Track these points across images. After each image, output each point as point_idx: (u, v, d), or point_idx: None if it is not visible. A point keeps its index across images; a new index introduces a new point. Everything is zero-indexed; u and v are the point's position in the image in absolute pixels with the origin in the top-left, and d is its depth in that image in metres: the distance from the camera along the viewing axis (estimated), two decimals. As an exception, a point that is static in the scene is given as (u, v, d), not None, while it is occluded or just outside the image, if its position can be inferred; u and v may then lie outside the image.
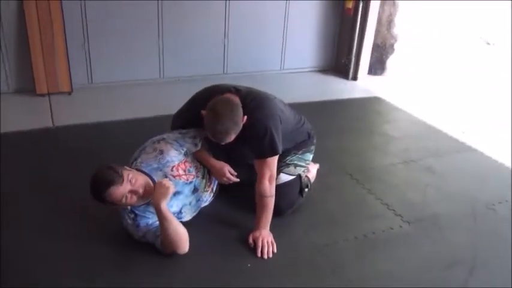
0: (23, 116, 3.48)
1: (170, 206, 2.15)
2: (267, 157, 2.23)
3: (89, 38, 3.92)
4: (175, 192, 2.19)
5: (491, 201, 2.74)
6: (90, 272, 1.99)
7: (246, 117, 2.13)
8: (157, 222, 2.07)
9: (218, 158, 2.44)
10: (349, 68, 4.83)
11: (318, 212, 2.53)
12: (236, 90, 2.26)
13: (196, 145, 2.38)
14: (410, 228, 2.46)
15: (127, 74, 4.18)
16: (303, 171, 2.53)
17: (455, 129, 3.74)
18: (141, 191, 2.04)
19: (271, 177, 2.26)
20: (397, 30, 4.96)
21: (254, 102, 2.23)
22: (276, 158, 2.27)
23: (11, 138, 3.10)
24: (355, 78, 4.85)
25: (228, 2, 4.29)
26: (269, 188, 2.25)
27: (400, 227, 2.46)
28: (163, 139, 2.32)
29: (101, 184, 1.97)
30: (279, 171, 2.41)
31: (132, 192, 2.01)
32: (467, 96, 4.67)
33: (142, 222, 2.12)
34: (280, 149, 2.25)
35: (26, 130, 3.23)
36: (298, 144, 2.54)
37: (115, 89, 4.08)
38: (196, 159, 2.40)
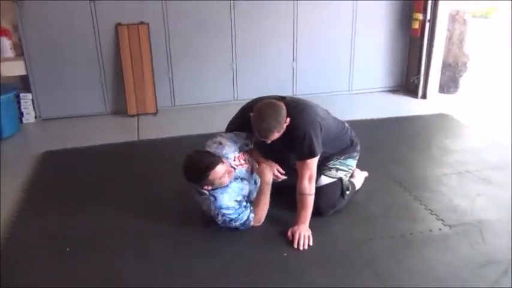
0: (116, 132, 4.11)
1: (240, 189, 2.53)
2: (306, 159, 2.47)
3: (172, 65, 4.50)
4: (242, 178, 2.57)
5: (546, 211, 2.68)
6: (150, 247, 2.40)
7: (288, 119, 2.40)
8: (236, 207, 2.45)
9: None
10: (419, 87, 4.88)
11: (359, 213, 2.70)
12: (281, 98, 2.54)
13: (247, 145, 2.70)
14: (451, 231, 2.51)
15: (205, 97, 4.68)
16: (345, 175, 2.72)
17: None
18: (231, 170, 2.46)
19: (311, 177, 2.49)
20: (469, 48, 4.93)
21: (296, 109, 2.48)
22: (315, 160, 2.49)
23: (105, 148, 3.73)
24: (424, 96, 4.88)
25: (296, 27, 4.65)
26: (308, 187, 2.48)
27: (440, 229, 2.53)
28: (220, 135, 2.68)
29: (207, 164, 2.35)
30: (320, 174, 2.63)
31: (227, 171, 2.42)
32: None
33: (222, 205, 2.43)
34: (319, 151, 2.47)
35: (116, 143, 3.83)
36: (340, 150, 2.74)
37: (194, 110, 4.59)
38: None
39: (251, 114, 2.43)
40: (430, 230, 2.53)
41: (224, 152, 2.56)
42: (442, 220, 2.61)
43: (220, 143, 2.60)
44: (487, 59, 5.02)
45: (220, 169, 2.37)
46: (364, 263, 2.27)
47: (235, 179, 2.54)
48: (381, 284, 2.12)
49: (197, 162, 2.38)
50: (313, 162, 2.49)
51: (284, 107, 2.43)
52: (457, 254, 2.32)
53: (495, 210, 2.70)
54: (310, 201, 2.50)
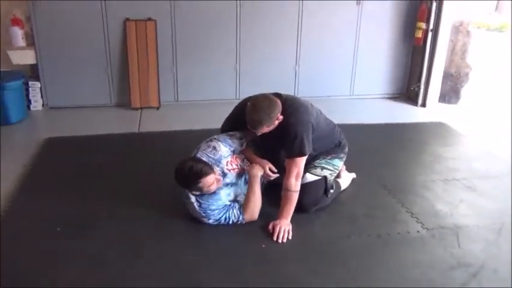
0: (118, 124, 4.25)
1: (228, 195, 2.61)
2: (295, 157, 2.55)
3: (177, 62, 4.63)
4: (232, 184, 2.64)
5: (525, 220, 2.74)
6: (138, 234, 2.52)
7: (281, 116, 2.49)
8: (220, 207, 2.54)
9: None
10: (419, 95, 4.94)
11: (341, 212, 2.78)
12: (277, 95, 2.62)
13: (242, 145, 2.79)
14: (428, 234, 2.59)
15: (208, 94, 4.80)
16: (330, 175, 2.80)
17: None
18: (220, 178, 2.54)
19: (298, 174, 2.57)
20: (471, 59, 4.96)
21: (291, 108, 2.57)
22: (303, 159, 2.57)
23: (105, 138, 3.88)
24: (424, 105, 4.94)
25: (300, 32, 4.74)
26: (294, 184, 2.56)
27: (418, 232, 2.60)
28: (215, 138, 2.72)
29: (198, 173, 2.42)
30: (306, 171, 2.71)
31: (216, 180, 2.51)
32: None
33: (207, 208, 2.53)
34: (308, 151, 2.56)
35: (117, 133, 3.97)
36: (328, 150, 2.83)
37: (196, 106, 4.71)
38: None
39: (248, 103, 2.52)
40: (408, 232, 2.60)
41: (218, 157, 2.61)
42: (421, 223, 2.68)
43: (215, 148, 2.64)
44: (490, 71, 5.02)
45: (210, 179, 2.45)
46: (339, 259, 2.35)
47: (226, 185, 2.61)
48: (352, 279, 2.20)
49: (189, 169, 2.43)
50: (301, 161, 2.57)
51: (280, 104, 2.51)
52: (430, 255, 2.39)
53: (474, 217, 2.77)
54: (294, 197, 2.58)
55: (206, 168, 2.45)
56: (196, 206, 2.52)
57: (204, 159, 2.57)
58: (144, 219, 2.66)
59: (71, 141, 3.78)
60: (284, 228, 2.51)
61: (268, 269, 2.27)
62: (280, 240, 2.46)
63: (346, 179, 3.04)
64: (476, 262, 2.33)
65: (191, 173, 2.43)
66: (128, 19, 4.40)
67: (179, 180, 2.49)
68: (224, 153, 2.65)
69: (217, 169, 2.56)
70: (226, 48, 4.70)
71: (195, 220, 2.60)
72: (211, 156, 2.60)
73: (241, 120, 2.59)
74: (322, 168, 2.78)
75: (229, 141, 2.73)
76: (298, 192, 2.59)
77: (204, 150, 2.64)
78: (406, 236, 2.56)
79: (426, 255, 2.39)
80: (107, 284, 2.12)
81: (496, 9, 5.76)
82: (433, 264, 2.32)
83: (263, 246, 2.43)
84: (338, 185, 2.91)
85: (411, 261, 2.35)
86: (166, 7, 4.44)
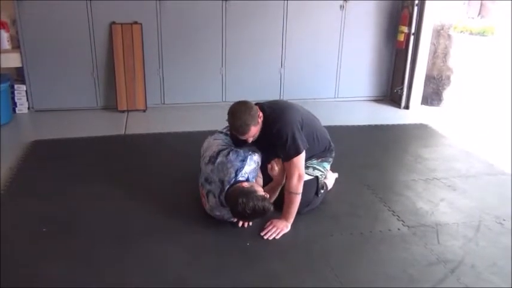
0: (104, 126, 4.26)
1: None
2: (292, 157, 2.56)
3: (163, 65, 4.66)
4: None
5: (503, 216, 2.82)
6: (125, 232, 2.54)
7: (261, 113, 2.54)
8: None
9: None
10: (402, 98, 5.03)
11: (324, 210, 2.84)
12: (256, 103, 2.65)
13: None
14: (409, 231, 2.65)
15: (194, 97, 4.84)
16: (321, 175, 2.82)
17: (497, 156, 3.78)
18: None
19: (300, 176, 2.57)
20: (453, 62, 5.07)
21: (274, 114, 2.60)
22: (301, 158, 2.57)
23: (91, 140, 3.89)
24: (407, 107, 5.03)
25: (285, 35, 4.81)
26: (296, 186, 2.56)
27: (399, 229, 2.67)
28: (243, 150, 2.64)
29: (262, 212, 2.39)
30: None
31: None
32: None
33: None
34: (304, 147, 2.56)
35: (104, 135, 3.99)
36: (316, 155, 2.83)
37: (182, 109, 4.74)
38: None
39: (228, 116, 2.56)
40: (389, 230, 2.66)
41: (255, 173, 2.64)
42: (402, 221, 2.75)
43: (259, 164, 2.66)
44: (471, 74, 5.14)
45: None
46: (321, 256, 2.40)
47: None
48: (335, 277, 2.25)
49: (252, 210, 2.35)
50: (300, 161, 2.57)
51: (254, 105, 2.56)
52: (410, 252, 2.46)
53: (454, 215, 2.84)
54: (297, 200, 2.59)
55: (267, 204, 2.40)
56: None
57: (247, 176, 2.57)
58: (130, 219, 2.69)
59: (57, 143, 3.79)
60: (277, 228, 2.55)
61: (253, 266, 2.32)
62: (265, 237, 2.51)
63: (330, 179, 3.09)
64: (455, 258, 2.40)
65: (255, 213, 2.38)
66: (113, 22, 4.43)
67: (239, 216, 2.47)
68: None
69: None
70: (212, 51, 4.74)
71: (181, 218, 2.66)
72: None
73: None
74: (314, 168, 2.80)
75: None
76: (300, 195, 2.59)
77: (250, 165, 2.58)
78: (387, 234, 2.62)
79: (407, 252, 2.45)
80: (94, 282, 2.15)
81: (479, 14, 5.92)
82: (414, 260, 2.38)
83: (248, 244, 2.48)
84: (326, 185, 2.95)
85: (392, 258, 2.41)
86: (152, 11, 4.47)
